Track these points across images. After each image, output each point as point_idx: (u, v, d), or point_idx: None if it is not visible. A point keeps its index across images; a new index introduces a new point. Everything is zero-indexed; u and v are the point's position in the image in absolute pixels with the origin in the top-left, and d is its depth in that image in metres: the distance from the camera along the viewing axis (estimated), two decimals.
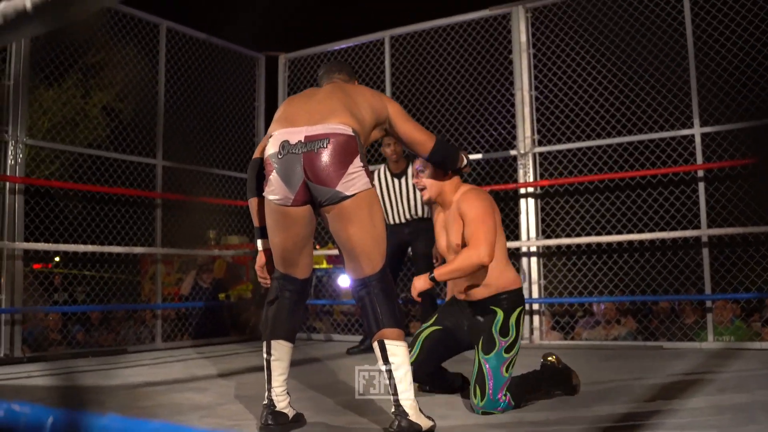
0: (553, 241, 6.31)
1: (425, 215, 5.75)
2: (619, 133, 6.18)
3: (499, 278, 3.34)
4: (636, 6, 6.09)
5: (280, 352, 2.86)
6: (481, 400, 3.15)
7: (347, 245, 2.79)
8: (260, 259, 3.01)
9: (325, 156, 2.68)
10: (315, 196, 2.73)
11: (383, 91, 7.32)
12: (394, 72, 7.29)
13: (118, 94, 7.66)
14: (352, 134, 2.73)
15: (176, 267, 9.64)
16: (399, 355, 2.70)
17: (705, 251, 5.66)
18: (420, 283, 3.27)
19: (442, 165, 3.29)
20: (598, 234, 6.18)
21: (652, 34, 6.03)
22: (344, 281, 9.23)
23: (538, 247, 6.37)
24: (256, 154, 2.99)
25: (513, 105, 6.62)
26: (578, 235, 6.29)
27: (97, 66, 6.93)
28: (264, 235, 2.94)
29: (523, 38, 6.60)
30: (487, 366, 3.20)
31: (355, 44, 7.59)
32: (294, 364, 3.21)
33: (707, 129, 5.74)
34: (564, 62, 6.45)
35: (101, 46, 6.54)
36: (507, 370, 3.22)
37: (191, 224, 7.04)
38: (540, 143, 6.52)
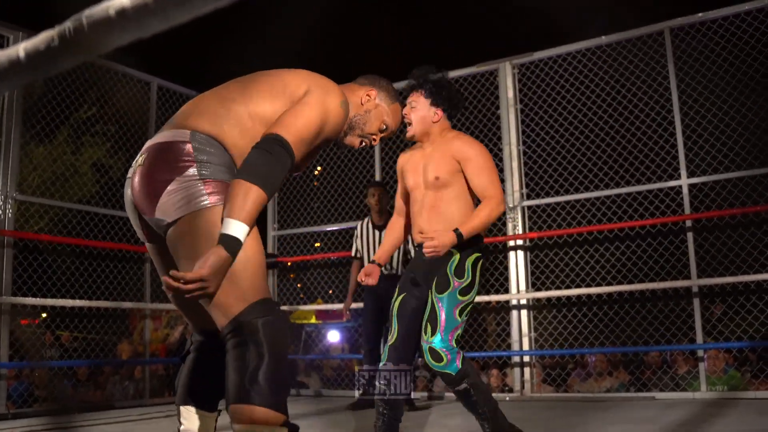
0: (542, 294, 6.30)
1: (401, 272, 5.75)
2: (607, 185, 6.23)
3: (464, 223, 3.15)
4: (620, 61, 6.21)
5: (191, 423, 2.19)
6: (432, 336, 3.03)
7: None
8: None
9: (139, 175, 2.00)
10: None
11: (372, 147, 7.37)
12: None
13: (109, 150, 7.68)
14: (181, 140, 1.98)
15: (164, 323, 9.55)
16: None
17: (696, 301, 5.67)
18: (448, 239, 3.04)
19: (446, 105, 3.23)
20: (588, 285, 6.18)
21: (637, 89, 6.13)
22: (333, 336, 9.17)
23: (528, 300, 6.36)
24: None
25: (501, 159, 6.67)
26: (568, 287, 6.29)
27: (88, 122, 6.98)
28: None
29: (510, 94, 6.69)
30: (440, 305, 3.07)
31: None
32: None
33: (694, 180, 5.80)
34: (551, 116, 6.53)
35: (93, 102, 6.60)
36: (460, 314, 3.07)
37: None
38: (528, 197, 6.57)
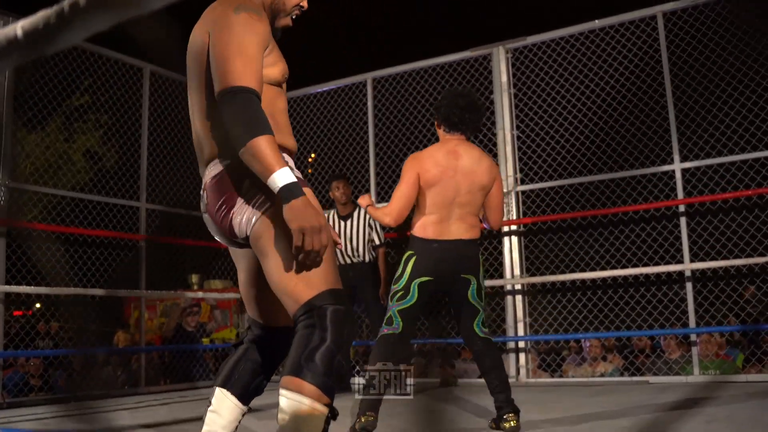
0: (537, 279, 6.32)
1: (368, 259, 6.04)
2: (601, 170, 6.24)
3: (413, 224, 3.76)
4: (614, 46, 6.21)
5: (221, 405, 2.25)
6: None
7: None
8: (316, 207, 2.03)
9: (210, 212, 2.19)
10: None
11: (366, 133, 7.38)
12: (377, 113, 7.35)
13: (102, 137, 7.65)
14: (217, 172, 2.16)
15: (159, 312, 9.56)
16: (287, 411, 1.90)
17: (689, 285, 5.70)
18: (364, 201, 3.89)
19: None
20: (582, 270, 6.21)
21: (630, 73, 6.14)
22: None
23: (522, 285, 6.37)
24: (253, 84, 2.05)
25: (495, 144, 6.68)
26: (562, 272, 6.31)
27: (80, 109, 6.94)
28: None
29: (504, 78, 6.68)
30: None
31: (337, 86, 7.66)
32: None
33: (687, 164, 5.82)
34: (545, 101, 6.53)
35: (85, 89, 6.56)
36: (391, 300, 3.67)
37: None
38: (522, 182, 6.57)
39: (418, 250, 3.65)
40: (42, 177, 6.26)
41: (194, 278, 9.66)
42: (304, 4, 2.36)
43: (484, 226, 3.90)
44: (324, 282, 1.99)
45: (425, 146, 6.99)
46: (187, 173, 7.11)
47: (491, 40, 6.79)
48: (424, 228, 3.68)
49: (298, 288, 1.98)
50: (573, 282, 6.31)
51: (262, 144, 1.93)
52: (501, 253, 6.54)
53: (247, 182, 2.08)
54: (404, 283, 3.63)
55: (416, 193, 3.70)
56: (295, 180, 1.96)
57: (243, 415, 2.28)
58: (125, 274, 6.45)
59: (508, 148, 6.59)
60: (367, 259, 6.18)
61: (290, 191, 1.94)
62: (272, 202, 2.04)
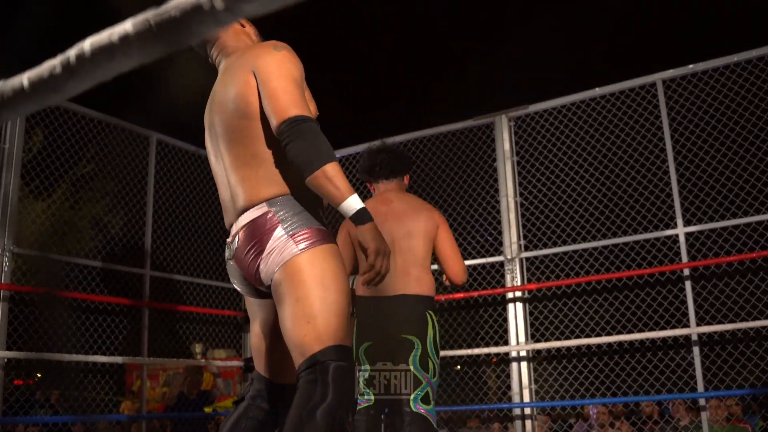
0: (542, 345, 6.26)
1: None
2: (605, 235, 6.24)
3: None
4: (615, 113, 6.28)
5: None
6: None
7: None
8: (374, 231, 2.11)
9: (238, 256, 2.24)
10: None
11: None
12: None
13: (107, 205, 7.69)
14: (262, 212, 2.18)
15: (162, 381, 9.46)
16: None
17: (695, 349, 5.63)
18: None
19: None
20: (588, 336, 6.15)
21: (632, 139, 6.19)
22: None
23: (527, 351, 6.31)
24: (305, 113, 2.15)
25: (499, 212, 6.70)
26: (567, 337, 6.25)
27: (86, 177, 7.00)
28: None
29: (507, 146, 6.74)
30: None
31: (342, 155, 7.73)
32: None
33: (691, 228, 5.82)
34: (547, 168, 6.58)
35: (91, 157, 6.62)
36: None
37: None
38: (526, 248, 6.57)
39: (358, 311, 3.45)
40: (47, 244, 6.27)
41: (197, 347, 9.59)
42: None
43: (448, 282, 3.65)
44: (333, 337, 2.00)
45: None
46: (192, 240, 7.13)
47: (494, 109, 6.87)
48: (361, 285, 3.42)
49: (306, 339, 2.00)
50: (579, 348, 6.25)
51: (335, 170, 2.03)
52: (506, 319, 6.49)
53: (279, 229, 2.13)
54: (354, 351, 3.34)
55: (351, 252, 3.57)
56: (365, 206, 2.06)
57: None
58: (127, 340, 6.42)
59: (512, 215, 6.60)
60: None
61: (364, 215, 2.04)
62: (300, 251, 2.09)
